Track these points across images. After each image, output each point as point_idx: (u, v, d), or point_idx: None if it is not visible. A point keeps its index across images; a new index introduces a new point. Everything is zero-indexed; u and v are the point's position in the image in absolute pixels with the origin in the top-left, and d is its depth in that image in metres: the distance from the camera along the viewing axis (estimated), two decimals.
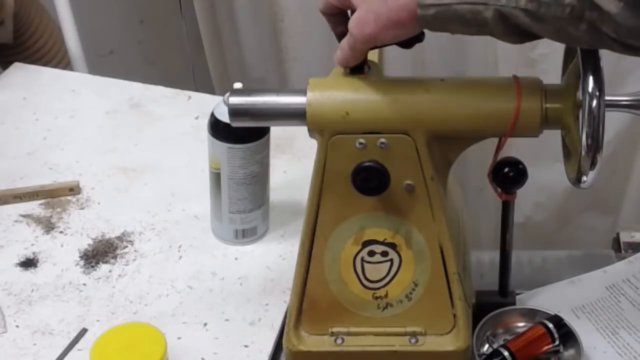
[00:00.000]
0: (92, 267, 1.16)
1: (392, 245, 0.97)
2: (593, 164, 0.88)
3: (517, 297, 1.08)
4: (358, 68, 0.95)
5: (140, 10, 2.11)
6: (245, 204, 1.16)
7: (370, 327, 1.00)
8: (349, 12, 0.93)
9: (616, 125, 1.62)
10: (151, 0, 2.09)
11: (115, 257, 1.17)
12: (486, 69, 1.58)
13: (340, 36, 0.95)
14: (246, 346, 1.06)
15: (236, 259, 1.18)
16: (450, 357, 0.99)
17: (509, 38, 0.86)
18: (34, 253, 1.17)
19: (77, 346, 1.06)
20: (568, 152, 0.94)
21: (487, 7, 0.84)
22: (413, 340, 0.99)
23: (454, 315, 0.99)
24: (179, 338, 1.06)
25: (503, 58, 1.55)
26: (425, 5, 0.85)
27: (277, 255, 1.18)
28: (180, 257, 1.18)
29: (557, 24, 0.83)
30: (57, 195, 1.26)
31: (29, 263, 1.16)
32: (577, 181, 0.90)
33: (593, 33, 0.82)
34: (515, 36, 0.86)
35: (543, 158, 1.52)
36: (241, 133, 1.11)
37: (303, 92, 0.93)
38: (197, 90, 1.52)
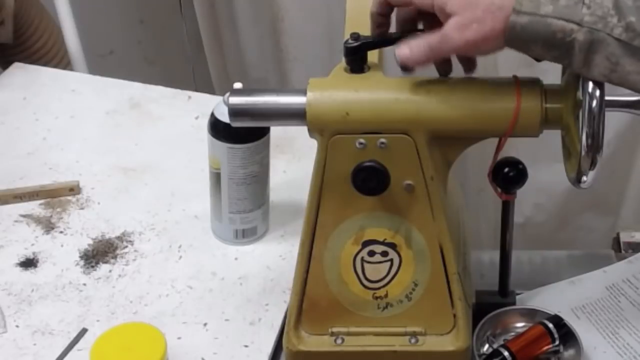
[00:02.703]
0: (92, 267, 1.16)
1: (392, 245, 0.97)
2: (593, 164, 0.88)
3: (517, 297, 1.08)
4: (358, 68, 0.95)
5: (140, 10, 2.11)
6: (245, 204, 1.16)
7: (370, 327, 1.00)
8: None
9: (616, 125, 1.62)
10: (151, 0, 2.09)
11: (115, 257, 1.17)
12: (486, 69, 1.58)
13: (377, 23, 0.95)
14: (246, 346, 1.06)
15: (236, 259, 1.18)
16: (450, 357, 0.99)
17: (584, 70, 0.85)
18: (34, 253, 1.17)
19: (77, 346, 1.06)
20: (568, 152, 0.94)
21: (580, 28, 0.83)
22: (413, 340, 0.99)
23: (454, 315, 0.99)
24: (179, 338, 1.06)
25: (503, 58, 1.55)
26: (521, 12, 0.84)
27: (277, 255, 1.18)
28: (180, 257, 1.18)
29: None
30: (57, 195, 1.26)
31: (29, 263, 1.16)
32: (577, 181, 0.90)
33: None
34: (590, 70, 0.85)
35: (543, 158, 1.52)
36: (241, 133, 1.11)
37: (303, 92, 0.93)
38: (197, 90, 1.52)
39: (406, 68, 0.93)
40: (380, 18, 0.95)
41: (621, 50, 0.83)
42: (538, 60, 0.90)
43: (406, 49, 0.91)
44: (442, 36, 0.88)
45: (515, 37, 0.85)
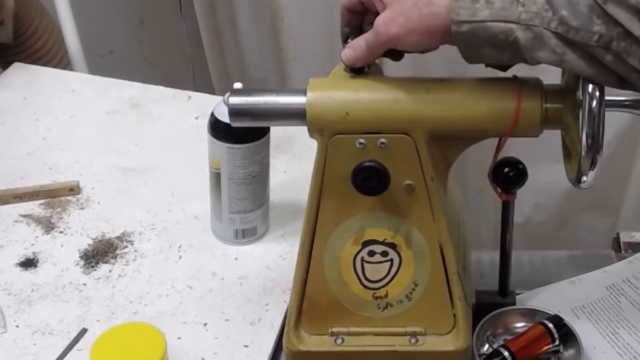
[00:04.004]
0: (92, 267, 1.16)
1: (392, 245, 0.97)
2: (593, 164, 0.88)
3: (517, 297, 1.08)
4: (358, 68, 0.95)
5: (140, 10, 2.11)
6: (245, 204, 1.16)
7: (370, 327, 1.00)
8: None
9: (616, 125, 1.62)
10: (151, 0, 2.09)
11: (115, 257, 1.17)
12: (486, 69, 1.58)
13: (345, 36, 0.96)
14: (246, 346, 1.06)
15: (236, 259, 1.18)
16: (450, 357, 0.99)
17: (543, 59, 0.86)
18: (34, 253, 1.17)
19: (77, 346, 1.06)
20: (568, 152, 0.94)
21: (519, 26, 0.84)
22: (413, 340, 0.99)
23: (454, 315, 0.99)
24: (179, 338, 1.06)
25: None
26: (459, 22, 0.86)
27: (277, 255, 1.18)
28: (180, 257, 1.18)
29: (586, 51, 0.84)
30: (57, 195, 1.26)
31: (29, 263, 1.16)
32: (577, 181, 0.90)
33: (619, 64, 0.83)
34: (548, 59, 0.86)
35: (543, 158, 1.52)
36: (241, 133, 1.11)
37: (303, 92, 0.93)
38: (197, 90, 1.52)
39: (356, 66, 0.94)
40: (347, 15, 0.96)
41: (561, 42, 0.84)
42: (503, 69, 0.92)
43: (351, 51, 0.93)
44: (374, 31, 0.90)
45: (464, 45, 0.87)
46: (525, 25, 0.84)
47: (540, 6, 0.84)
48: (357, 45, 0.92)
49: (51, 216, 1.23)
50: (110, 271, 1.15)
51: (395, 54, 0.94)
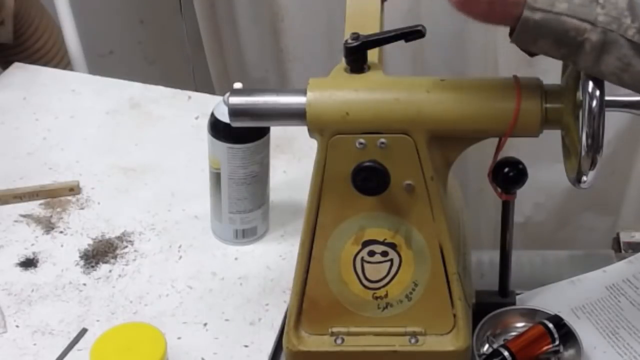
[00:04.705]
0: (92, 267, 1.16)
1: (392, 245, 0.97)
2: (593, 164, 0.88)
3: (517, 297, 1.09)
4: (358, 68, 0.95)
5: (140, 10, 2.11)
6: (245, 204, 1.16)
7: (370, 327, 1.00)
8: None
9: (616, 125, 1.62)
10: (151, 0, 2.09)
11: (115, 257, 1.17)
12: (486, 69, 1.58)
13: None
14: (246, 346, 1.06)
15: (236, 259, 1.18)
16: (450, 357, 0.99)
17: (592, 70, 0.85)
18: (34, 253, 1.17)
19: (77, 346, 1.06)
20: (568, 152, 0.94)
21: (594, 28, 0.82)
22: (413, 340, 0.99)
23: (454, 315, 0.99)
24: (179, 338, 1.06)
25: (503, 58, 1.55)
26: (535, 8, 0.83)
27: (277, 255, 1.18)
28: (180, 257, 1.18)
29: None
30: (57, 195, 1.26)
31: (29, 263, 1.16)
32: (577, 181, 0.90)
33: None
34: (601, 70, 0.84)
35: (543, 158, 1.52)
36: (241, 133, 1.11)
37: (303, 92, 0.93)
38: (197, 90, 1.52)
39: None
40: None
41: (633, 52, 0.83)
42: (531, 55, 0.89)
43: None
44: None
45: (526, 33, 0.84)
46: (601, 29, 0.82)
47: (620, 11, 0.82)
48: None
49: (51, 216, 1.23)
50: (110, 271, 1.15)
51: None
